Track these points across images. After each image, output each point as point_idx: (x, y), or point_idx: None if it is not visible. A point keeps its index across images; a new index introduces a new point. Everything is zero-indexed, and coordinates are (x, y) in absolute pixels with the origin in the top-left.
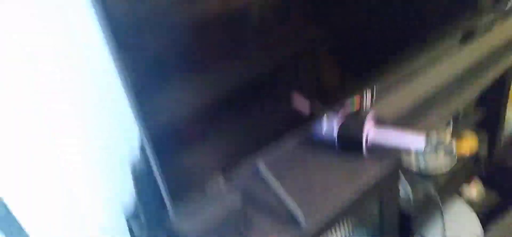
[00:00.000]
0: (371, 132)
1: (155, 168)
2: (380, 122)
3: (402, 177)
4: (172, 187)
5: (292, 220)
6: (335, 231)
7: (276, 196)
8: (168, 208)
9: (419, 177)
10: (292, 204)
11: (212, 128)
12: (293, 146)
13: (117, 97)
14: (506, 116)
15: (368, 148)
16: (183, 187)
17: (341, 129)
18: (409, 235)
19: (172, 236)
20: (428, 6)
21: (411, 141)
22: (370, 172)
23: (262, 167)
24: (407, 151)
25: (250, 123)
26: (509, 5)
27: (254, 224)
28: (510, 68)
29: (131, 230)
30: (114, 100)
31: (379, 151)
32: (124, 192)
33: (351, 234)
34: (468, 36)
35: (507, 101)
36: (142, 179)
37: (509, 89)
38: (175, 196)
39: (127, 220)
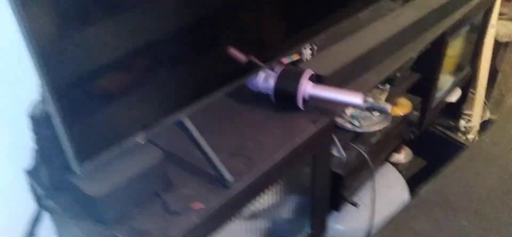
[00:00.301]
0: (308, 87)
1: (57, 123)
2: (318, 77)
3: (335, 138)
4: (79, 145)
5: (218, 181)
6: (265, 193)
7: (202, 154)
8: (72, 166)
9: (353, 138)
10: (219, 164)
11: (132, 81)
12: (228, 100)
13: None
14: (438, 82)
15: (305, 103)
16: (93, 145)
17: (277, 82)
18: (340, 198)
19: (76, 196)
20: None
21: (349, 98)
22: (305, 129)
23: (188, 123)
24: (343, 109)
25: (176, 76)
26: None
27: (174, 185)
28: (446, 33)
29: (33, 188)
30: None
31: (316, 107)
32: (24, 146)
33: (282, 196)
34: None
35: (441, 67)
36: (44, 131)
37: (444, 54)
38: (82, 155)
39: (28, 176)
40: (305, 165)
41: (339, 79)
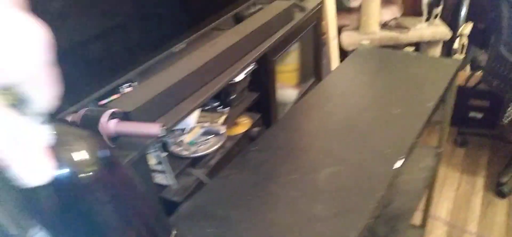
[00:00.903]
0: (111, 125)
1: None
2: (125, 113)
3: (167, 165)
4: None
5: None
6: None
7: None
8: None
9: (192, 163)
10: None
11: None
12: None
13: None
14: (275, 97)
15: (114, 141)
16: None
17: (81, 123)
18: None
19: None
20: None
21: (148, 130)
22: None
23: None
24: (149, 139)
25: None
26: None
27: None
28: (268, 52)
29: None
30: None
31: (128, 143)
32: None
33: None
34: (238, 20)
35: (274, 83)
36: None
37: (273, 72)
38: None
39: None
40: None
41: (151, 112)
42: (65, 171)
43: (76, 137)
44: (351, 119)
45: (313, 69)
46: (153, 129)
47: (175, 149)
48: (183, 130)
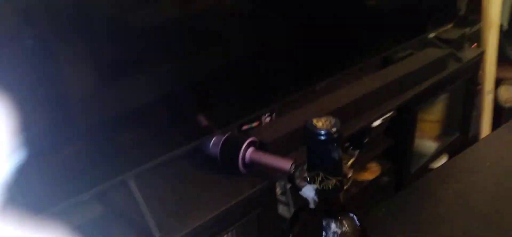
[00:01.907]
0: (248, 153)
1: None
2: (262, 144)
3: (290, 197)
4: None
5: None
6: None
7: (139, 212)
8: None
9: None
10: (151, 222)
11: (82, 140)
12: (183, 161)
13: None
14: (413, 148)
15: (248, 168)
16: None
17: (222, 148)
18: None
19: None
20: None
21: (279, 163)
22: (242, 192)
23: (132, 185)
24: (282, 172)
25: (129, 139)
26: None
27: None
28: (413, 100)
29: None
30: None
31: (259, 171)
32: None
33: None
34: (385, 63)
35: (413, 133)
36: None
37: (415, 121)
38: None
39: None
40: (251, 225)
41: (285, 146)
42: None
43: None
44: (498, 201)
45: (460, 123)
46: (285, 164)
47: (301, 183)
48: None
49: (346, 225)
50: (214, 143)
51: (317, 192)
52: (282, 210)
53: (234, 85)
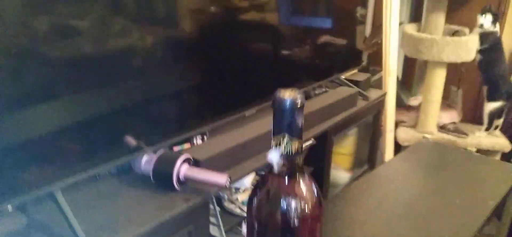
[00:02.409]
0: (182, 169)
1: None
2: (196, 161)
3: (219, 219)
4: None
5: None
6: None
7: (68, 226)
8: None
9: (240, 222)
10: (80, 233)
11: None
12: (113, 179)
13: None
14: (329, 176)
15: (182, 184)
16: None
17: (156, 165)
18: None
19: None
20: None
21: (215, 178)
22: (176, 207)
23: (59, 196)
24: (214, 188)
25: (54, 150)
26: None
27: None
28: (329, 131)
29: None
30: None
31: (193, 188)
32: None
33: None
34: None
35: (329, 162)
36: None
37: (330, 150)
38: None
39: None
40: None
41: (217, 164)
42: None
43: None
44: (408, 204)
45: (368, 157)
46: (221, 178)
47: (229, 205)
48: (238, 189)
49: (304, 185)
50: (147, 161)
51: (282, 155)
52: (213, 230)
53: (165, 107)
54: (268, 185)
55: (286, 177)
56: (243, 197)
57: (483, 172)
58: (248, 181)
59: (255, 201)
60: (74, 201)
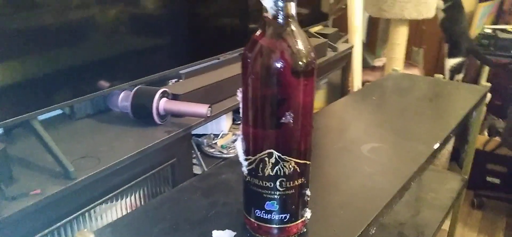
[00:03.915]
0: (162, 102)
1: None
2: (175, 96)
3: (200, 159)
4: None
5: (62, 175)
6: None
7: (47, 150)
8: None
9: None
10: (62, 157)
11: None
12: (91, 120)
13: None
14: None
15: (162, 118)
16: None
17: (133, 99)
18: None
19: None
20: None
21: (196, 109)
22: (158, 138)
23: (36, 124)
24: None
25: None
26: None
27: (18, 179)
28: None
29: None
30: None
31: (174, 123)
32: None
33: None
34: None
35: None
36: None
37: None
38: None
39: None
40: (165, 176)
41: (196, 100)
42: None
43: None
44: (383, 118)
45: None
46: (202, 109)
47: (209, 150)
48: (217, 135)
49: (298, 33)
50: (123, 97)
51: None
52: (195, 170)
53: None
54: (263, 33)
55: (280, 21)
56: (222, 141)
57: (452, 91)
58: (226, 126)
59: (250, 53)
60: (54, 137)
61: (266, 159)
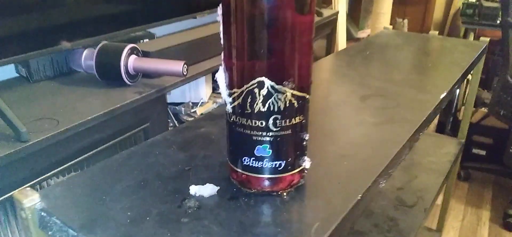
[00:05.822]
0: (131, 60)
1: None
2: (145, 54)
3: (175, 121)
4: None
5: (13, 136)
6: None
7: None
8: None
9: None
10: (13, 117)
11: None
12: (52, 83)
13: None
14: None
15: (132, 78)
16: None
17: (98, 57)
18: None
19: None
20: None
21: (170, 67)
22: (128, 99)
23: None
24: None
25: None
26: None
27: None
28: None
29: None
30: None
31: (145, 84)
32: None
33: None
34: None
35: None
36: None
37: None
38: None
39: None
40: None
41: (169, 57)
42: None
43: None
44: (384, 69)
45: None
46: (177, 66)
47: (188, 119)
48: (195, 103)
49: None
50: (87, 56)
51: None
52: None
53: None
54: None
55: None
56: (201, 110)
57: (449, 47)
58: (206, 93)
59: None
60: (7, 100)
61: (256, 90)
